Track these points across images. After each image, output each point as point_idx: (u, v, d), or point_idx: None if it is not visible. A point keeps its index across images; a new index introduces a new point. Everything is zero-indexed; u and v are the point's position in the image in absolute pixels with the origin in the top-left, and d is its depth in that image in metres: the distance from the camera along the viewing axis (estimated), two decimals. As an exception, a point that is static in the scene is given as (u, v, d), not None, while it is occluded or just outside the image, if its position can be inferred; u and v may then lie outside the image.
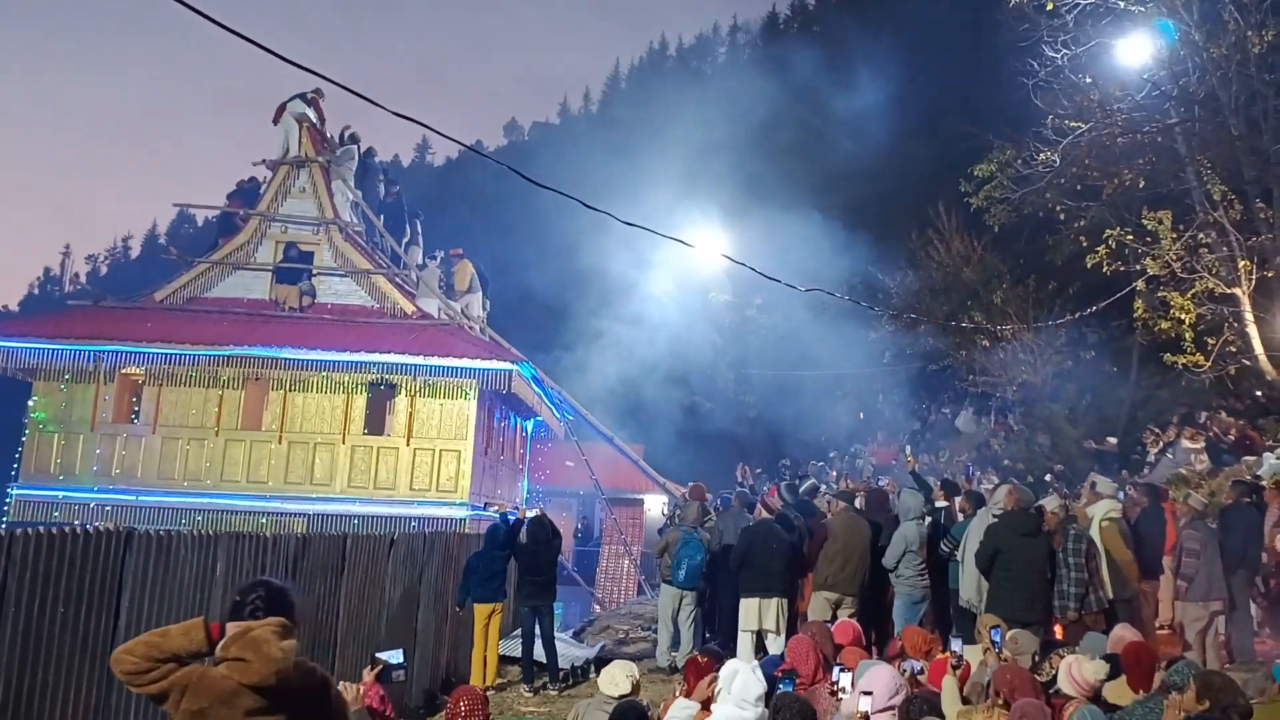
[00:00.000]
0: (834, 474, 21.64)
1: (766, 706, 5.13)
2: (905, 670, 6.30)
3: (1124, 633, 6.73)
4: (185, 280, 18.14)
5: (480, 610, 10.69)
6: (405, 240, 19.85)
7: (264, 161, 18.92)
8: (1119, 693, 5.71)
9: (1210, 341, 18.01)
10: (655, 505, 25.14)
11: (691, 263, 22.18)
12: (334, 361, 16.52)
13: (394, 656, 5.16)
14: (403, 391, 16.83)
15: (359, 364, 16.47)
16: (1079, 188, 19.30)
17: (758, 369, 33.11)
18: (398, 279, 18.39)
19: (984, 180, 20.43)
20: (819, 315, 27.35)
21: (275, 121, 18.84)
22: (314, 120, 18.66)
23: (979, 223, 22.51)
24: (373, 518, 15.70)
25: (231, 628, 3.29)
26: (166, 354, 16.50)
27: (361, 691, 5.09)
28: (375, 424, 17.15)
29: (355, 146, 19.33)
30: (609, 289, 25.43)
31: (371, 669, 5.11)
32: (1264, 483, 11.66)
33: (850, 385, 28.79)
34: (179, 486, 16.57)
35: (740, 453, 29.19)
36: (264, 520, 15.50)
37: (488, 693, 10.20)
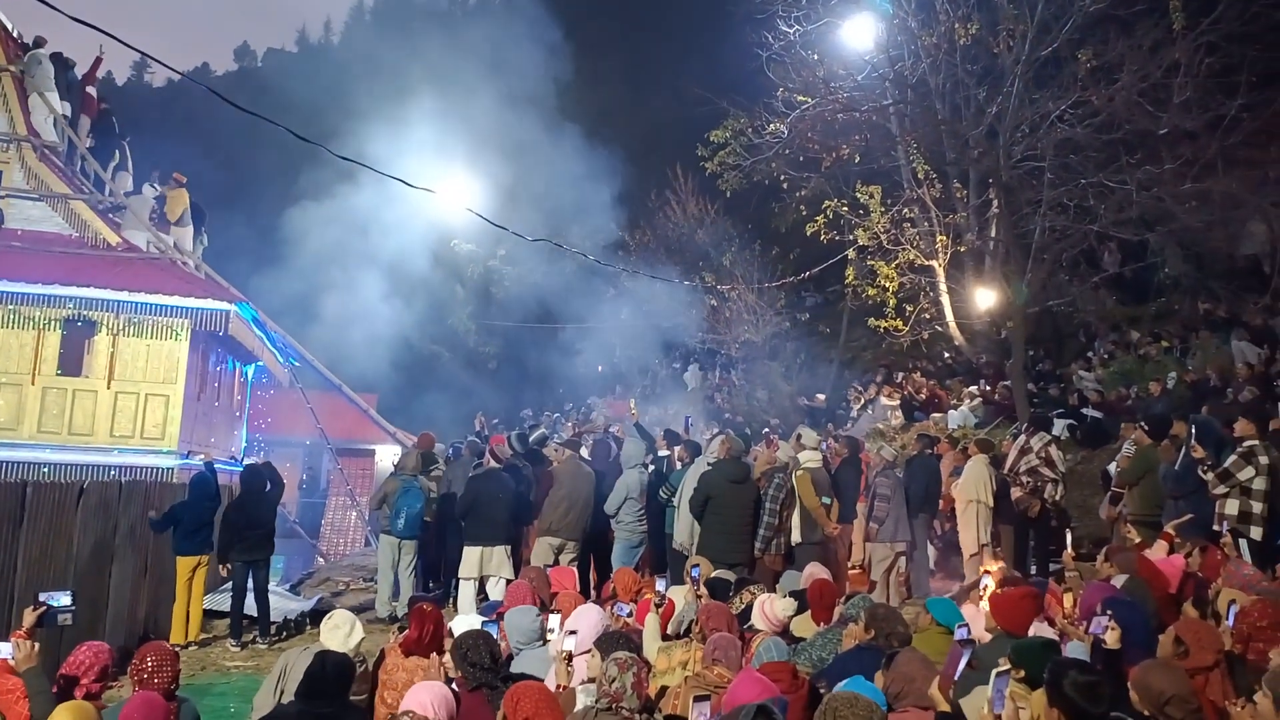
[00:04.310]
0: (569, 424, 21.98)
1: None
2: (615, 613, 6.54)
3: (814, 570, 7.30)
4: None
5: (184, 564, 10.09)
6: (113, 165, 18.05)
7: (-59, 66, 16.56)
8: (804, 626, 6.19)
9: (909, 308, 19.74)
10: (387, 456, 24.61)
11: (433, 209, 21.62)
12: (23, 294, 14.83)
13: (59, 598, 4.75)
14: (104, 330, 15.38)
15: (52, 298, 14.87)
16: (802, 159, 20.46)
17: (500, 320, 33.02)
18: (101, 206, 16.73)
19: (718, 146, 21.21)
20: (561, 270, 27.58)
21: (-41, 25, 16.53)
22: (5, 25, 16.54)
23: (713, 187, 23.36)
24: (67, 465, 14.35)
25: None
26: None
27: (35, 649, 4.63)
28: (70, 364, 15.56)
29: (54, 54, 17.24)
30: (345, 232, 24.38)
31: (34, 609, 4.67)
32: (943, 437, 13.00)
33: (590, 340, 29.29)
34: None
35: (479, 403, 29.08)
36: (-66, 468, 13.83)
37: (189, 648, 9.71)
